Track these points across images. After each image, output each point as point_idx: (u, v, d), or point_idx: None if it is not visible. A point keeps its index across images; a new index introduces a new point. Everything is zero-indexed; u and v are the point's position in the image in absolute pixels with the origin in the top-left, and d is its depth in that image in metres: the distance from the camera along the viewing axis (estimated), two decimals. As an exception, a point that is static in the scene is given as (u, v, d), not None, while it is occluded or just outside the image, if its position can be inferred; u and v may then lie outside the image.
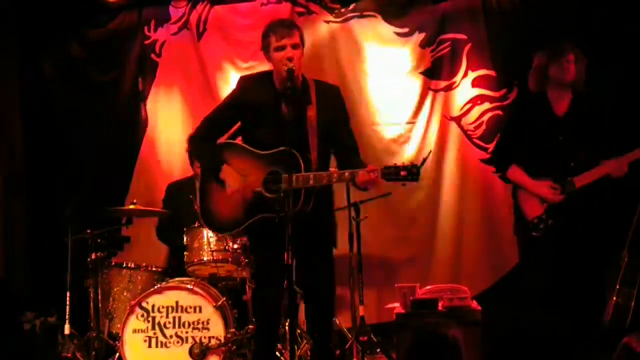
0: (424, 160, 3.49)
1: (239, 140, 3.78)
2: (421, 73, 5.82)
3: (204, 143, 3.78)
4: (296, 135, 3.48)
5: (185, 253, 4.79)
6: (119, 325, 4.66)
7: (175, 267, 5.00)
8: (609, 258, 4.37)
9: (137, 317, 4.54)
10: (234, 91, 3.79)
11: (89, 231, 4.87)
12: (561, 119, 4.21)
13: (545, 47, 4.28)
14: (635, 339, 2.50)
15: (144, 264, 4.98)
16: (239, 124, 3.77)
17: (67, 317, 4.85)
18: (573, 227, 4.13)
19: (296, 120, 3.54)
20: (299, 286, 4.29)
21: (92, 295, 4.78)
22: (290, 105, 3.57)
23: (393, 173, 3.38)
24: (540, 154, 4.22)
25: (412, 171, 3.35)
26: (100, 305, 4.80)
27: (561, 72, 4.19)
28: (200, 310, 4.53)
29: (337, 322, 5.03)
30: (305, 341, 4.75)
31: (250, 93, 3.67)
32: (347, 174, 3.46)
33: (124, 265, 4.93)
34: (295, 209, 3.40)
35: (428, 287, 4.78)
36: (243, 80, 3.78)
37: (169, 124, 6.13)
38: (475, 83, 5.73)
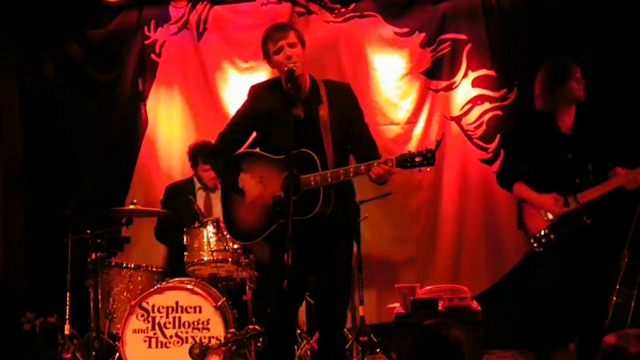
0: (438, 143, 3.43)
1: (257, 150, 3.73)
2: (421, 73, 5.82)
3: (221, 156, 3.74)
4: (310, 136, 3.45)
5: (185, 253, 4.79)
6: (119, 326, 4.66)
7: (175, 267, 5.00)
8: (612, 267, 4.38)
9: (137, 317, 4.54)
10: (246, 101, 3.74)
11: (89, 231, 4.86)
12: (568, 136, 4.16)
13: (549, 66, 4.22)
14: (623, 339, 2.47)
15: (144, 264, 4.98)
16: (254, 134, 3.74)
17: (67, 317, 4.85)
18: (577, 241, 4.08)
19: (308, 121, 3.52)
20: (312, 292, 4.28)
21: (92, 295, 4.78)
22: (301, 106, 3.55)
23: (408, 160, 3.27)
24: (546, 172, 4.17)
25: (427, 156, 3.25)
26: (100, 305, 4.80)
27: (572, 92, 4.14)
28: (200, 311, 4.52)
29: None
30: (305, 341, 4.75)
31: (263, 101, 3.64)
32: (362, 167, 3.39)
33: (124, 265, 4.92)
34: (313, 212, 3.39)
35: (428, 287, 4.79)
36: (254, 90, 3.74)
37: (169, 124, 6.12)
38: (475, 83, 5.73)
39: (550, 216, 4.11)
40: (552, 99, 4.15)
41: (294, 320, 3.91)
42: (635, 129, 5.10)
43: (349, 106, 3.67)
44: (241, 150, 3.72)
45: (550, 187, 4.13)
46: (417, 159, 3.26)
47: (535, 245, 4.18)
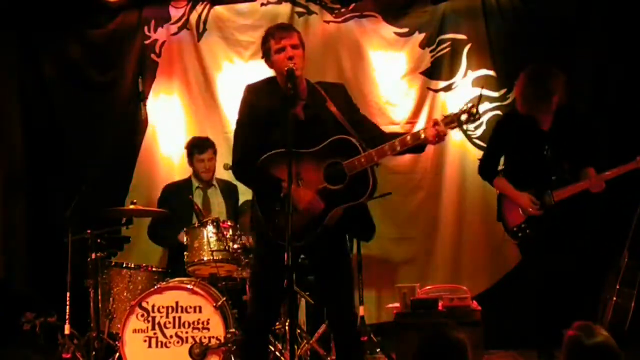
0: (480, 97, 3.53)
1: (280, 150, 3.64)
2: (421, 73, 5.82)
3: (249, 169, 3.62)
4: (313, 136, 3.47)
5: (185, 253, 4.79)
6: (119, 326, 4.66)
7: (174, 267, 5.00)
8: (587, 265, 4.50)
9: (137, 317, 4.54)
10: (242, 102, 3.68)
11: (89, 231, 4.86)
12: (546, 133, 4.33)
13: (532, 76, 4.34)
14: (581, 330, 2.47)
15: (144, 264, 4.99)
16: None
17: (67, 317, 4.85)
18: (551, 237, 4.29)
19: (311, 122, 3.52)
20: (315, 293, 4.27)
21: (92, 295, 4.78)
22: (301, 108, 3.55)
23: (455, 120, 3.38)
24: (524, 167, 4.38)
25: (471, 112, 3.36)
26: (100, 305, 4.80)
27: (552, 105, 4.28)
28: (200, 310, 4.52)
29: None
30: (305, 341, 4.76)
31: (259, 100, 3.62)
32: (409, 137, 3.45)
33: (124, 265, 4.92)
34: (367, 193, 3.47)
35: (428, 287, 4.79)
36: (250, 89, 3.71)
37: (169, 124, 6.12)
38: (475, 83, 5.73)
39: (526, 212, 4.33)
40: (532, 106, 4.31)
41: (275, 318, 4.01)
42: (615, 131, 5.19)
43: (348, 103, 3.72)
44: (266, 155, 3.58)
45: (528, 182, 4.33)
46: (463, 118, 3.37)
47: (512, 237, 4.45)
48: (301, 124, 3.51)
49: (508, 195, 4.44)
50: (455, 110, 3.41)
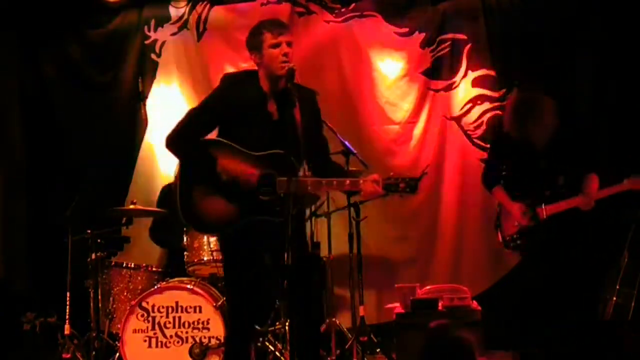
0: (423, 173, 3.57)
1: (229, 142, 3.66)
2: (421, 73, 5.81)
3: (187, 141, 3.64)
4: (286, 137, 3.42)
5: (185, 253, 4.79)
6: (119, 326, 4.67)
7: (174, 267, 5.00)
8: (581, 270, 4.52)
9: (137, 317, 4.55)
10: (217, 89, 3.71)
11: (89, 231, 4.87)
12: (539, 151, 4.39)
13: (521, 103, 4.43)
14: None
15: (144, 264, 4.99)
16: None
17: (67, 317, 4.86)
18: (543, 249, 4.38)
19: (285, 122, 3.48)
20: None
21: (92, 295, 4.79)
22: (278, 105, 3.54)
23: (393, 185, 3.44)
24: (519, 181, 4.48)
25: (410, 184, 3.43)
26: (100, 305, 4.81)
27: (543, 131, 4.35)
28: (200, 310, 4.53)
29: (337, 322, 5.03)
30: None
31: (235, 91, 3.61)
32: (347, 182, 3.48)
33: (124, 265, 4.93)
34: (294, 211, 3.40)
35: (428, 287, 4.79)
36: (227, 78, 3.71)
37: (169, 124, 6.07)
38: (475, 83, 5.73)
39: (518, 223, 4.45)
40: (523, 132, 4.37)
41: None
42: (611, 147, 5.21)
43: (314, 113, 3.69)
44: (210, 137, 3.64)
45: (522, 195, 4.43)
46: (401, 185, 3.43)
47: (505, 247, 4.60)
48: (273, 124, 3.51)
49: (503, 204, 4.55)
50: (398, 176, 3.47)
